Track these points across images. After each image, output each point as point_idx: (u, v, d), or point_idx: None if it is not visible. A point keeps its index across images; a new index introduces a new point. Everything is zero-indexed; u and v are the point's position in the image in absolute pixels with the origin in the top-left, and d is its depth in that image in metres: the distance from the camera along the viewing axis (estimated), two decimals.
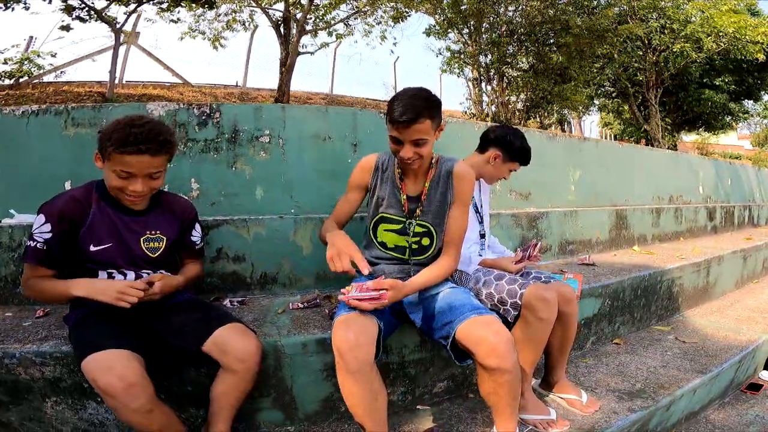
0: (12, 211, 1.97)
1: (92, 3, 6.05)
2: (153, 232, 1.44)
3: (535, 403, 1.58)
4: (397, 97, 1.43)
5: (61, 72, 7.25)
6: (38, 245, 1.31)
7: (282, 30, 8.07)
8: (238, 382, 1.32)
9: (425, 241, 1.56)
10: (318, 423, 1.59)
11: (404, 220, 1.55)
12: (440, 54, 8.08)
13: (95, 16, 6.12)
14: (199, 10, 8.25)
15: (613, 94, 12.90)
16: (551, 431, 1.51)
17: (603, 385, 1.86)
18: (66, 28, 6.23)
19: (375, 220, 1.58)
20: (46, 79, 7.07)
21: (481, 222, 1.90)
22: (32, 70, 6.69)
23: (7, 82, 6.40)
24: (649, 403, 1.71)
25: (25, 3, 6.27)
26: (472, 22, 7.23)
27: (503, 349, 1.25)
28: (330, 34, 9.24)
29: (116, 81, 7.09)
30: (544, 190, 3.36)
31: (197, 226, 1.59)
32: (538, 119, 7.10)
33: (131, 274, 1.41)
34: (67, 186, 2.06)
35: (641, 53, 10.12)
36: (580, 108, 11.17)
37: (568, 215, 3.05)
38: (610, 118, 16.21)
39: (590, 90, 10.13)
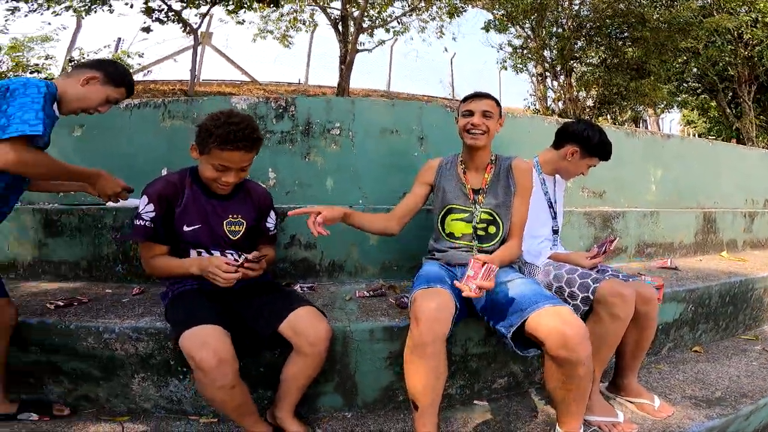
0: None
1: (170, 5, 6.55)
2: (234, 216, 1.54)
3: (601, 405, 1.52)
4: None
5: (148, 71, 7.96)
6: (146, 224, 1.44)
7: (340, 28, 8.26)
8: (308, 365, 1.38)
9: (491, 229, 1.64)
10: (375, 411, 1.62)
11: (470, 208, 1.64)
12: (501, 49, 7.84)
13: (173, 18, 6.61)
14: (266, 11, 8.68)
15: (698, 90, 11.76)
16: None
17: (678, 392, 1.75)
18: (147, 29, 6.75)
19: (443, 212, 1.68)
20: (135, 77, 7.79)
21: (554, 218, 1.85)
22: None
23: None
24: (729, 411, 1.60)
25: (109, 6, 6.94)
26: (533, 17, 6.96)
27: (576, 340, 1.21)
28: (387, 31, 9.34)
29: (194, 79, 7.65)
30: (620, 189, 3.17)
31: (272, 213, 1.67)
32: (610, 116, 6.64)
33: (216, 254, 1.52)
34: (164, 172, 2.27)
35: (731, 47, 9.15)
36: (660, 105, 10.31)
37: (647, 216, 2.84)
38: (693, 115, 14.78)
39: (671, 86, 9.31)
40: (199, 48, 8.37)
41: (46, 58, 6.89)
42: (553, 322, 1.24)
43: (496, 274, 1.37)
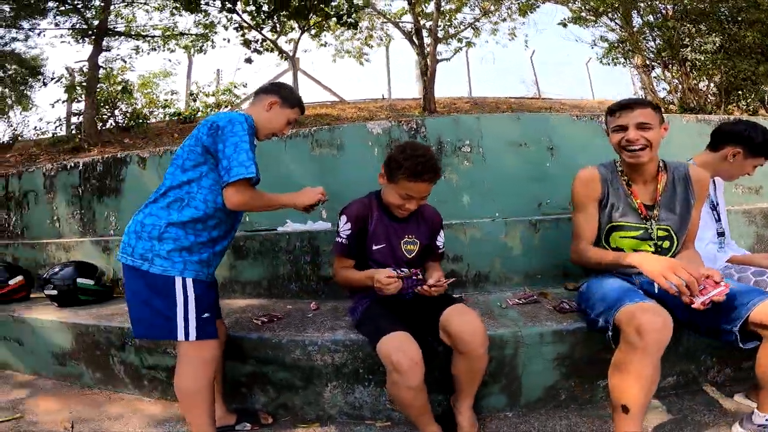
0: (288, 220, 2.54)
1: (264, 36, 7.20)
2: (410, 236, 1.72)
3: None
4: (618, 102, 1.58)
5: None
6: (343, 241, 1.67)
7: (416, 41, 8.47)
8: (469, 363, 1.47)
9: (665, 245, 1.61)
10: (535, 410, 1.72)
11: (644, 226, 1.60)
12: (595, 45, 7.50)
13: (269, 47, 7.26)
14: (340, 31, 9.23)
15: None
16: None
17: None
18: (249, 60, 7.49)
19: (607, 229, 1.65)
20: (242, 107, 8.68)
21: (718, 220, 1.85)
22: (232, 100, 8.25)
23: (217, 111, 8.02)
24: None
25: (212, 42, 7.79)
26: (620, 9, 6.60)
27: None
28: (460, 41, 9.43)
29: None
30: None
31: (442, 233, 1.81)
32: (738, 104, 5.99)
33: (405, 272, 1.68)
34: None
35: None
36: None
37: None
38: None
39: None
40: (289, 73, 9.11)
41: (172, 94, 7.91)
42: None
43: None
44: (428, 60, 8.23)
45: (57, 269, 2.41)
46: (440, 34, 8.82)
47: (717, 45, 5.47)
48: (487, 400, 1.71)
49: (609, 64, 7.16)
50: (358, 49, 10.16)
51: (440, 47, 9.04)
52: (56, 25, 7.30)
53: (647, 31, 6.75)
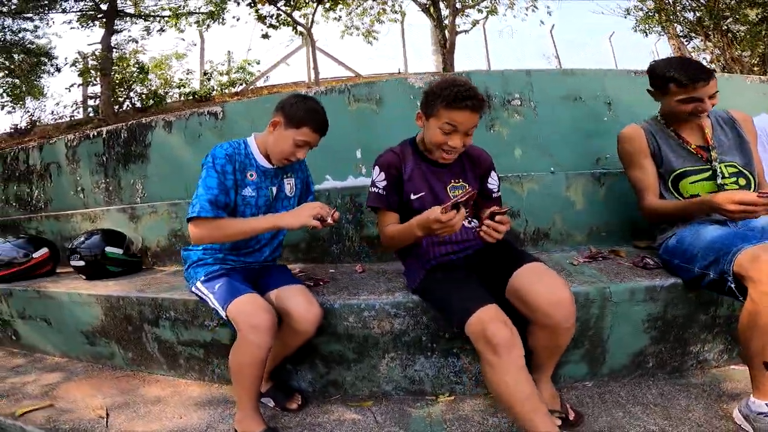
0: (328, 176, 2.39)
1: (279, 10, 6.98)
2: (456, 181, 1.52)
3: None
4: (678, 65, 1.54)
5: (266, 77, 8.62)
6: (379, 191, 1.48)
7: (433, 13, 8.14)
8: (552, 338, 1.26)
9: (741, 181, 1.56)
10: (618, 379, 1.54)
11: (708, 167, 1.58)
12: (628, 14, 7.23)
13: (284, 20, 7.04)
14: (356, 4, 8.91)
15: None
16: None
17: None
18: (265, 36, 7.29)
19: (672, 179, 1.63)
20: (257, 84, 8.50)
21: None
22: (246, 78, 8.07)
23: (232, 90, 7.86)
24: None
25: (222, 20, 7.59)
26: None
27: None
28: (480, 11, 9.04)
29: (307, 79, 8.11)
30: None
31: (493, 174, 1.59)
32: None
33: None
34: (358, 154, 2.41)
35: None
36: None
37: None
38: None
39: None
40: (303, 49, 8.88)
41: (188, 73, 7.78)
42: None
43: None
44: (446, 32, 7.92)
45: (82, 238, 2.26)
46: (458, 6, 8.48)
47: (759, 16, 5.24)
48: (564, 369, 1.53)
49: (644, 33, 6.90)
50: (371, 22, 9.75)
51: (458, 20, 8.70)
52: (64, 11, 7.21)
53: (686, 2, 6.43)
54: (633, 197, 1.75)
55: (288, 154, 1.48)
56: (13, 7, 6.90)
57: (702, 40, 6.51)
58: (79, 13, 7.14)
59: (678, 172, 1.60)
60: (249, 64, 8.14)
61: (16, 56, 7.10)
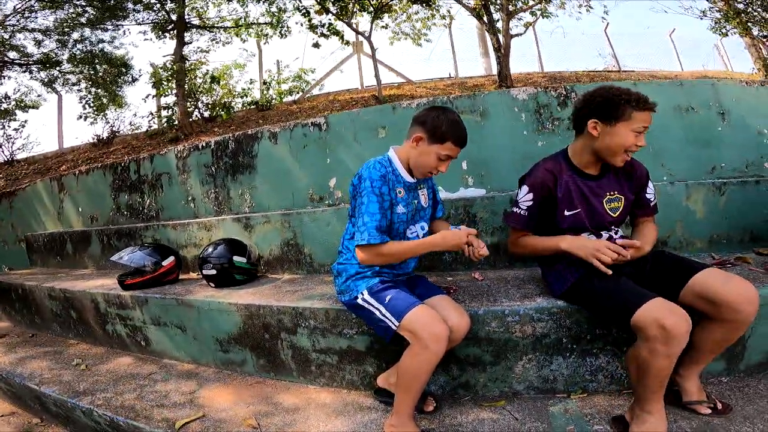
0: (440, 187, 2.43)
1: (330, 20, 7.13)
2: (612, 193, 1.54)
3: None
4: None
5: (322, 85, 8.86)
6: (522, 212, 1.55)
7: (484, 18, 8.09)
8: (730, 332, 1.31)
9: None
10: (753, 375, 1.57)
11: None
12: (704, 15, 7.00)
13: (334, 31, 7.19)
14: (414, 10, 8.98)
15: None
16: None
17: None
18: (316, 45, 7.48)
19: None
20: (312, 92, 8.76)
21: None
22: (302, 86, 8.32)
23: (290, 98, 8.13)
24: None
25: (281, 30, 7.82)
26: None
27: None
28: (533, 14, 8.90)
29: (358, 87, 8.26)
30: None
31: (650, 184, 1.62)
32: None
33: (603, 234, 1.55)
34: (464, 166, 2.49)
35: None
36: None
37: None
38: None
39: None
40: (355, 56, 9.07)
41: (250, 83, 8.10)
42: None
43: None
44: (500, 36, 7.87)
45: (211, 249, 2.39)
46: (510, 8, 8.40)
47: None
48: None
49: (725, 34, 6.67)
50: (423, 26, 9.80)
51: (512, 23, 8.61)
52: (138, 22, 7.66)
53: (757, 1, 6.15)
54: (753, 205, 1.74)
55: (431, 168, 1.52)
56: (91, 17, 7.27)
57: None
58: (151, 24, 7.54)
59: None
60: (305, 72, 8.39)
61: (98, 66, 7.53)
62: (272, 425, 1.58)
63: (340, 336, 1.74)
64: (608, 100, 1.43)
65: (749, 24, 6.51)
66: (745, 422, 1.33)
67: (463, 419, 1.50)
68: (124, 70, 7.76)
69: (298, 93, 8.28)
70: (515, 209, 1.57)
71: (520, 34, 8.79)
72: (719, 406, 1.39)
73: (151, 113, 7.43)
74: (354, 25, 7.99)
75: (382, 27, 9.51)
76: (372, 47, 6.96)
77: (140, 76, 7.74)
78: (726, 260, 1.87)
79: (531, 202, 1.53)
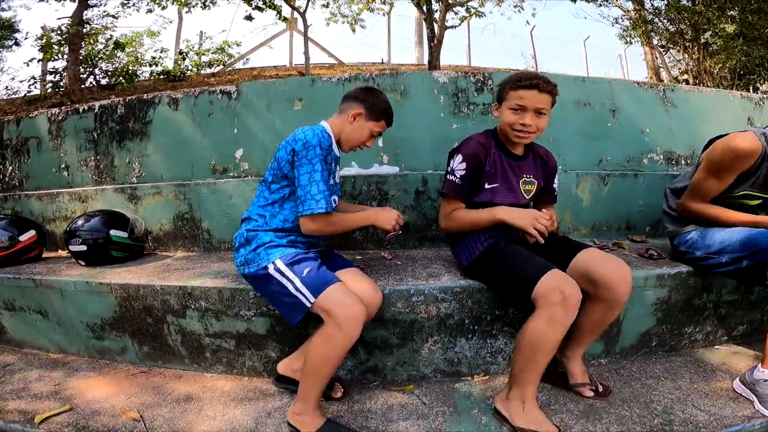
0: (353, 163, 2.39)
1: None
2: (528, 176, 1.60)
3: None
4: None
5: (247, 59, 8.30)
6: (456, 180, 1.54)
7: (424, 7, 8.17)
8: (607, 312, 1.37)
9: None
10: (627, 357, 1.70)
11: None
12: (617, 22, 7.66)
13: (271, 5, 6.80)
14: None
15: None
16: None
17: None
18: (249, 17, 6.99)
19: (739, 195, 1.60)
20: (236, 65, 8.17)
21: None
22: (225, 59, 7.75)
23: (209, 71, 7.52)
24: None
25: (204, 1, 7.23)
26: None
27: None
28: (468, 10, 9.17)
29: (287, 64, 7.90)
30: None
31: (557, 176, 1.72)
32: (750, 87, 6.25)
33: None
34: (380, 143, 2.45)
35: None
36: None
37: None
38: None
39: None
40: (287, 33, 8.65)
41: (162, 51, 7.34)
42: None
43: None
44: (435, 26, 7.96)
45: (81, 221, 2.08)
46: (450, 1, 8.54)
47: (736, 31, 5.66)
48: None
49: (629, 42, 7.32)
50: (360, 10, 9.61)
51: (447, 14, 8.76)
52: None
53: (665, 13, 6.84)
54: (630, 196, 1.92)
55: (362, 143, 1.56)
56: None
57: (679, 51, 6.95)
58: None
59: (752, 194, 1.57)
60: (229, 45, 7.81)
61: None
62: (158, 416, 1.42)
63: (236, 318, 1.60)
64: (500, 84, 1.54)
65: (652, 33, 7.21)
66: (624, 405, 1.40)
67: (373, 405, 1.45)
68: (8, 33, 6.61)
69: (219, 65, 7.69)
70: (450, 177, 1.56)
71: (455, 26, 8.99)
72: (600, 388, 1.46)
73: (33, 77, 6.41)
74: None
75: (323, 5, 9.18)
76: (305, 23, 6.66)
77: (26, 38, 6.63)
78: (604, 245, 2.02)
79: (464, 172, 1.53)
